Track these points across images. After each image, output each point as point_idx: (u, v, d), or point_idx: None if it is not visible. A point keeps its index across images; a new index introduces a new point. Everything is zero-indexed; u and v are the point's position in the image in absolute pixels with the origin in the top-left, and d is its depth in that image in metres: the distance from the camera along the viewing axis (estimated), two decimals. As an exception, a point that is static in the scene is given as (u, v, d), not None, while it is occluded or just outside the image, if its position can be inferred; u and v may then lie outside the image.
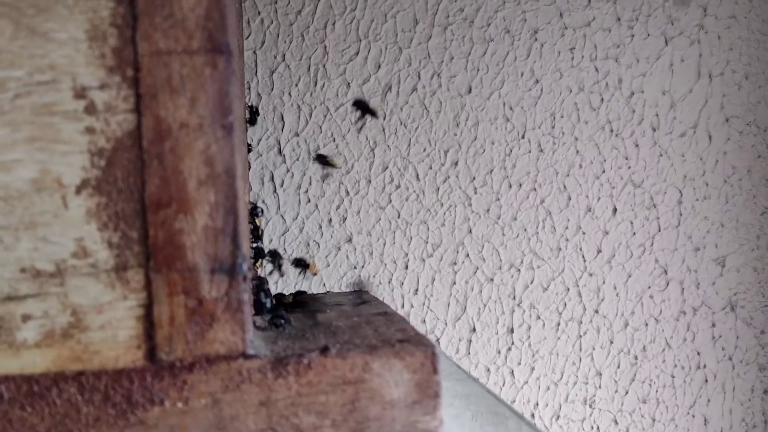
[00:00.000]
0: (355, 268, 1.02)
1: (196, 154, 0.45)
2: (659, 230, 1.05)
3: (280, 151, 1.01)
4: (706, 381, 1.06)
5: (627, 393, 1.05)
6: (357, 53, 1.02)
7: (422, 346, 0.47)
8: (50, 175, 0.45)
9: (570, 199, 1.04)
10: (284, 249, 1.01)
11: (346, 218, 1.02)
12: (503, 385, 1.04)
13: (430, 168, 1.03)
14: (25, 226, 0.45)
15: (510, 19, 1.03)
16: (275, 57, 1.01)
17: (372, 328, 0.54)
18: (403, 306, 1.03)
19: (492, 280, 1.03)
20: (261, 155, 1.01)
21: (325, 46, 1.01)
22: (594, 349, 1.05)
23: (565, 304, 1.04)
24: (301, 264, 0.95)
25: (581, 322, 1.05)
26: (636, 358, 1.05)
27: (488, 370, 1.04)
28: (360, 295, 0.76)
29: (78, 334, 0.45)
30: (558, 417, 1.05)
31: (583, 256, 1.04)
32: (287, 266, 1.01)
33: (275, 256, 0.74)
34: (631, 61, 1.04)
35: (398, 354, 0.47)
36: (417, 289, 1.03)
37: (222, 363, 0.45)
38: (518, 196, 1.03)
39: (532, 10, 1.03)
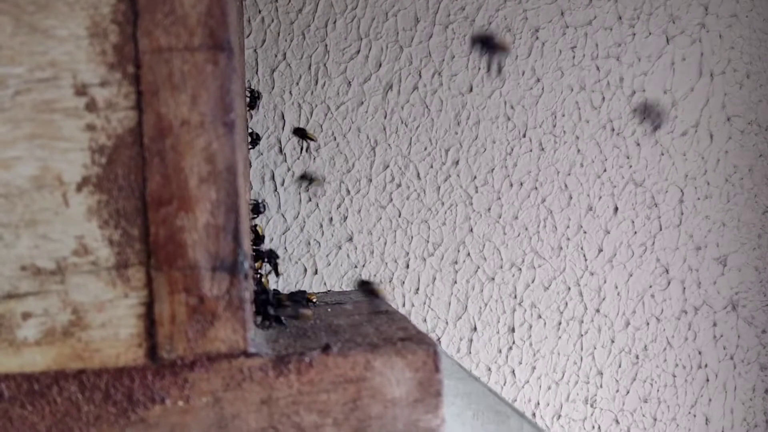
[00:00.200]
0: (355, 267, 1.02)
1: (197, 151, 0.45)
2: (660, 229, 1.05)
3: (280, 150, 1.01)
4: (708, 380, 1.06)
5: (628, 392, 1.05)
6: (358, 52, 1.02)
7: (424, 345, 0.47)
8: (51, 172, 0.45)
9: (571, 198, 1.04)
10: (285, 248, 1.01)
11: (346, 217, 1.02)
12: (504, 384, 1.04)
13: (431, 167, 1.03)
14: (26, 223, 0.45)
15: (511, 18, 1.03)
16: (276, 55, 1.01)
17: (373, 326, 0.54)
18: (404, 305, 1.02)
19: (493, 279, 1.03)
20: (262, 154, 1.01)
21: (326, 45, 1.01)
22: (595, 348, 1.05)
23: (567, 303, 1.04)
24: (306, 178, 0.93)
25: (582, 322, 1.04)
26: (637, 357, 1.05)
27: (489, 369, 1.04)
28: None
29: (79, 332, 0.45)
30: (559, 416, 1.05)
31: (584, 255, 1.04)
32: (285, 267, 1.00)
33: (272, 256, 0.73)
34: (633, 59, 1.04)
35: (400, 352, 0.46)
36: (418, 288, 1.03)
37: (223, 361, 0.45)
38: (519, 195, 1.03)
39: (533, 8, 1.03)
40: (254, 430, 0.45)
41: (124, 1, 0.45)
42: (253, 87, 0.99)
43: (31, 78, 0.45)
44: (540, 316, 1.04)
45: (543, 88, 1.03)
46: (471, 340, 1.03)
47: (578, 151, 1.04)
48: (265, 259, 0.71)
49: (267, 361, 0.45)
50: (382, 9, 1.02)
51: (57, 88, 0.45)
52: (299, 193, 1.01)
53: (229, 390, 0.45)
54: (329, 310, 0.64)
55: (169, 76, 0.45)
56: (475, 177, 1.03)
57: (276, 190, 1.01)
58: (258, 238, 0.81)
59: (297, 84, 1.01)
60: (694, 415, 1.06)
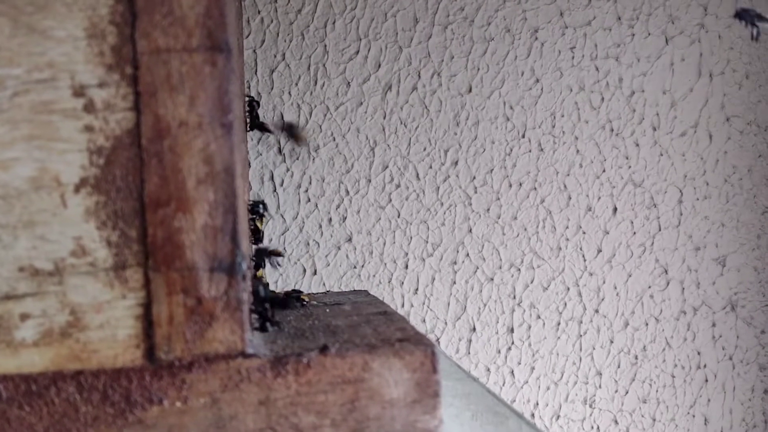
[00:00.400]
0: (354, 267, 1.02)
1: (195, 152, 0.45)
2: (659, 230, 1.05)
3: (279, 151, 1.01)
4: (707, 381, 1.06)
5: (627, 393, 1.05)
6: (357, 52, 1.02)
7: (422, 345, 0.47)
8: (49, 173, 0.45)
9: (570, 198, 1.04)
10: (284, 248, 1.01)
11: (345, 217, 1.02)
12: (503, 384, 1.04)
13: (430, 167, 1.03)
14: (24, 224, 0.45)
15: (510, 18, 1.03)
16: (275, 56, 1.01)
17: (371, 327, 0.54)
18: (403, 305, 1.02)
19: (492, 279, 1.03)
20: (261, 154, 1.01)
21: (325, 45, 1.01)
22: (594, 348, 1.05)
23: (566, 304, 1.04)
24: (291, 131, 0.89)
25: (581, 322, 1.04)
26: (636, 357, 1.05)
27: (488, 369, 1.04)
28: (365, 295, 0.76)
29: (76, 333, 0.45)
30: (558, 417, 1.05)
31: (583, 256, 1.04)
32: (285, 267, 1.00)
33: (260, 254, 0.73)
34: (632, 60, 1.04)
35: (398, 353, 0.46)
36: (417, 289, 1.03)
37: (221, 362, 0.45)
38: (518, 196, 1.03)
39: (532, 9, 1.03)
40: (252, 430, 0.45)
41: (122, 2, 0.45)
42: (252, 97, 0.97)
43: (29, 79, 0.45)
44: (539, 317, 1.04)
45: (542, 89, 1.03)
46: (470, 341, 1.03)
47: (577, 151, 1.04)
48: (253, 258, 0.71)
49: (265, 362, 0.45)
50: (381, 9, 1.02)
51: (55, 90, 0.45)
52: (298, 194, 1.01)
53: (226, 391, 0.45)
54: (327, 310, 0.64)
55: (167, 77, 0.45)
56: (474, 177, 1.03)
57: (275, 190, 1.01)
58: (257, 233, 0.80)
59: (296, 84, 1.01)
60: (693, 416, 1.06)
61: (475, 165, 1.03)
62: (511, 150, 1.03)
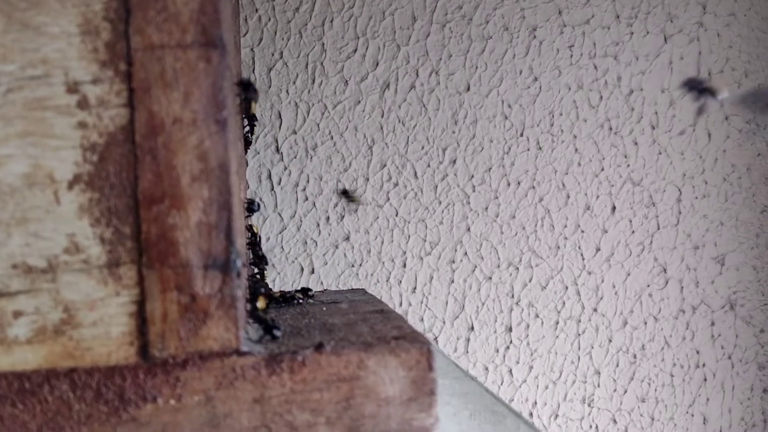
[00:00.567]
0: (352, 266, 1.02)
1: (189, 149, 0.44)
2: (658, 228, 1.05)
3: (277, 149, 1.01)
4: (705, 380, 1.06)
5: (626, 392, 1.05)
6: (355, 51, 1.01)
7: (417, 343, 0.47)
8: (42, 170, 0.45)
9: (569, 197, 1.04)
10: (281, 247, 1.01)
11: (343, 216, 1.02)
12: (501, 383, 1.04)
13: (428, 166, 1.02)
14: (17, 221, 0.45)
15: (509, 17, 1.03)
16: (273, 54, 1.01)
17: (368, 325, 0.53)
18: (401, 304, 1.02)
19: (490, 278, 1.03)
20: (258, 153, 1.01)
21: (323, 44, 1.01)
22: (593, 347, 1.04)
23: (564, 303, 1.04)
24: (346, 195, 0.95)
25: (580, 321, 1.04)
26: (635, 356, 1.05)
27: (486, 368, 1.03)
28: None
29: (70, 331, 0.45)
30: (556, 416, 1.04)
31: (581, 255, 1.04)
32: (282, 266, 1.00)
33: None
34: (630, 58, 1.04)
35: (393, 351, 0.46)
36: (415, 288, 1.03)
37: (215, 360, 0.45)
38: (517, 195, 1.03)
39: (530, 7, 1.03)
40: (247, 428, 0.45)
41: (115, -2, 0.44)
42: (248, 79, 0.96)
43: (22, 75, 0.45)
44: (537, 316, 1.04)
45: (540, 87, 1.03)
46: (468, 340, 1.03)
47: (576, 150, 1.03)
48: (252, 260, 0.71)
49: (260, 359, 0.45)
50: (379, 8, 1.02)
51: (49, 86, 0.45)
52: (296, 192, 1.01)
53: (221, 389, 0.45)
54: (324, 309, 0.64)
55: (161, 74, 0.44)
56: (473, 176, 1.03)
57: (273, 189, 1.01)
58: (254, 237, 0.80)
59: (294, 83, 1.01)
60: (692, 415, 1.06)
61: (473, 164, 1.03)
62: (510, 149, 1.03)
